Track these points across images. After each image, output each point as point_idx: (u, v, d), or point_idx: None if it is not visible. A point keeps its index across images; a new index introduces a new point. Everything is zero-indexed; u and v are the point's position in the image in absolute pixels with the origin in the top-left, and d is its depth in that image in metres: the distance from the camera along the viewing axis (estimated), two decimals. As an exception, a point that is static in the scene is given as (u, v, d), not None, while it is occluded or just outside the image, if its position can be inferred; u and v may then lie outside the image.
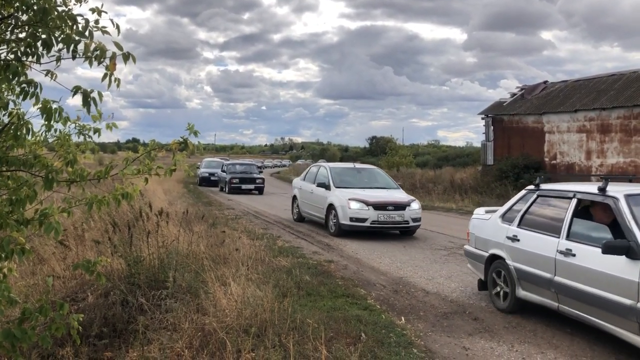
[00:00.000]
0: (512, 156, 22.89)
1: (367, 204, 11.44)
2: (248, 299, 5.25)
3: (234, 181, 24.85)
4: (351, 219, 11.44)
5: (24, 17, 2.80)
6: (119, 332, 5.05)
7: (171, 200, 15.91)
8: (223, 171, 27.27)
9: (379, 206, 11.45)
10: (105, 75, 2.75)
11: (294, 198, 14.70)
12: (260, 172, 29.07)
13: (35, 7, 2.69)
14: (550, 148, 21.95)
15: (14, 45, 2.82)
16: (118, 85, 2.78)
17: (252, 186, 25.24)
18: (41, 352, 4.59)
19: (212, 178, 29.97)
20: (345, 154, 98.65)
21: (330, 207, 12.10)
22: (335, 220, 11.85)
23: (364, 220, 11.38)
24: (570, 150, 21.08)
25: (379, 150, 71.32)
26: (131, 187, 3.12)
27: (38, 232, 2.95)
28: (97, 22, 2.72)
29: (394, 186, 13.32)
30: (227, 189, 25.00)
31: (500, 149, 24.14)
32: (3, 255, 2.85)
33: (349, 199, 11.61)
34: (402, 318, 5.93)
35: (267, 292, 5.54)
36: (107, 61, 2.74)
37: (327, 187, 12.59)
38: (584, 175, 20.06)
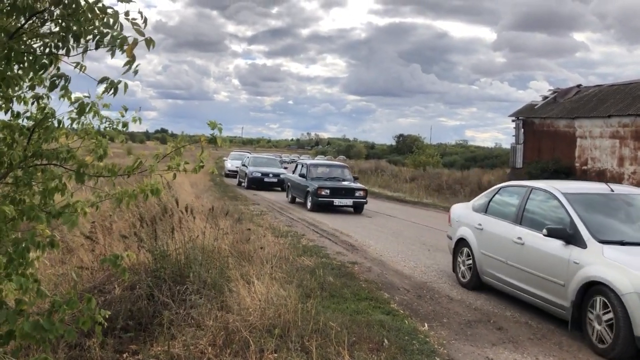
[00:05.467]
0: (542, 160, 22.52)
1: None
2: (272, 298, 5.25)
3: (323, 192, 16.58)
4: None
5: (57, 12, 2.85)
6: (144, 326, 5.09)
7: (197, 194, 16.05)
8: (302, 175, 18.28)
9: None
10: (127, 62, 2.79)
11: (459, 242, 8.04)
12: (356, 178, 19.32)
13: (66, 1, 2.73)
14: (582, 153, 21.53)
15: (47, 40, 2.87)
16: (135, 73, 2.81)
17: (349, 201, 16.80)
18: (68, 341, 4.66)
19: (267, 179, 24.13)
20: (372, 151, 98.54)
21: (597, 291, 5.37)
22: (616, 328, 5.08)
23: None
24: (602, 156, 20.63)
25: (405, 149, 71.02)
26: (160, 182, 3.18)
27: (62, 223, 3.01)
28: (127, 13, 2.75)
29: None
30: (310, 203, 16.83)
31: (530, 152, 23.79)
32: (35, 249, 2.90)
33: None
34: (426, 324, 5.88)
35: (290, 291, 5.53)
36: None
37: (573, 240, 5.83)
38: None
